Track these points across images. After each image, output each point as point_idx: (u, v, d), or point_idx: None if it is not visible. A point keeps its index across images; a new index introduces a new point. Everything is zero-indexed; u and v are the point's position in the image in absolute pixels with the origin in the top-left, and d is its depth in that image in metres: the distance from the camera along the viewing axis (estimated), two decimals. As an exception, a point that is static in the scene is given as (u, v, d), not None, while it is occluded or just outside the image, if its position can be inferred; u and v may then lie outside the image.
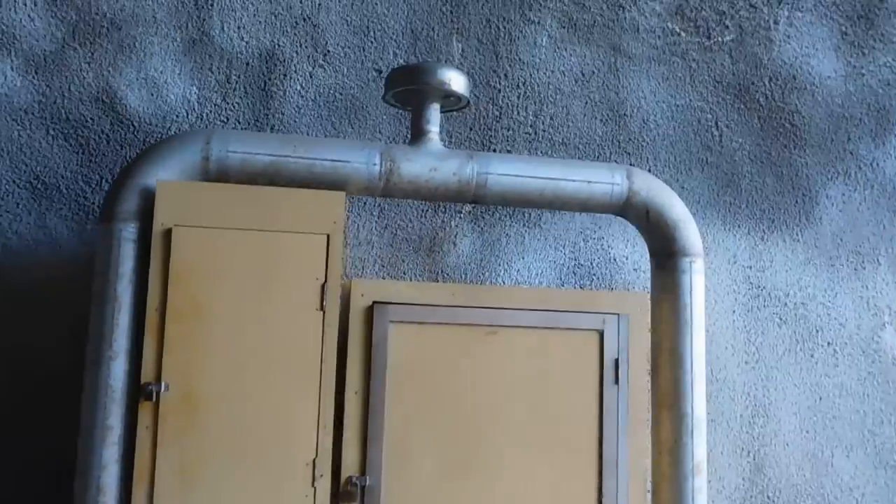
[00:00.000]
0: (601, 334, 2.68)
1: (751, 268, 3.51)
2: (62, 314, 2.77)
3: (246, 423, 2.36)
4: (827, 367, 3.53)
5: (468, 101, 2.81)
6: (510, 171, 2.72)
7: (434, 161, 2.66)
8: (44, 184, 2.85)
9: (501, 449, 2.57)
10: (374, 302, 2.53)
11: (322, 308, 2.44)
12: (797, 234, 3.58)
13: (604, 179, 2.81)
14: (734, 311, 3.46)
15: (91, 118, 2.90)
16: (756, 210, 3.55)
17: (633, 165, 3.35)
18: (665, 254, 2.88)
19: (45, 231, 2.84)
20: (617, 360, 2.68)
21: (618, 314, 2.70)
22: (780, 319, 3.51)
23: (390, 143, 3.07)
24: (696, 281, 2.86)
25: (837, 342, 3.55)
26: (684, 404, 2.77)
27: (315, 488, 2.38)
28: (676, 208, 2.88)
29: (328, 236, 2.46)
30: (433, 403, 2.54)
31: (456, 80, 2.68)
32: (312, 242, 2.46)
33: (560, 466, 2.60)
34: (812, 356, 3.52)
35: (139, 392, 2.31)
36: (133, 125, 2.92)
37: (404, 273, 3.14)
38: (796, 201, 3.59)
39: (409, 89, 2.69)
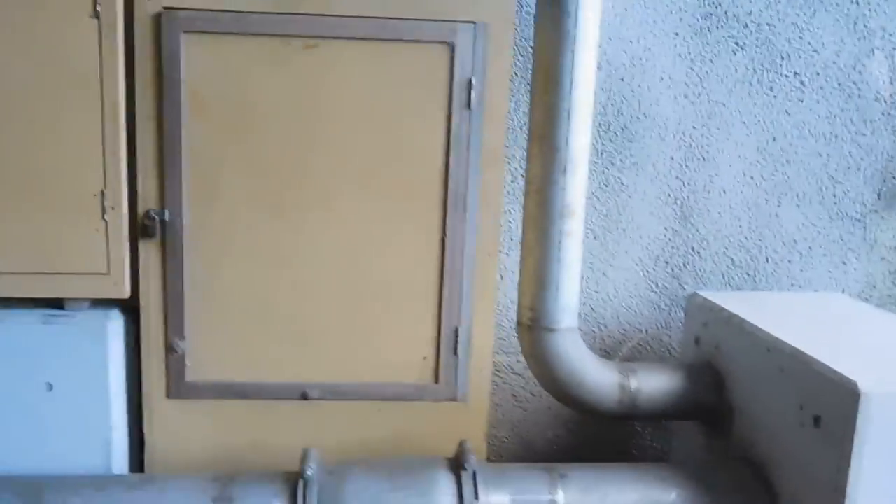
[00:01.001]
0: (451, 47, 2.22)
1: (705, -20, 2.87)
2: None
3: (17, 149, 2.09)
4: (789, 102, 2.95)
5: None
6: None
7: None
8: None
9: (325, 182, 2.24)
10: (164, 7, 2.13)
11: (96, 14, 2.07)
12: (771, -64, 2.87)
13: None
14: (677, 34, 2.87)
15: None
16: None
17: None
18: (550, -53, 2.31)
19: None
20: (471, 80, 2.23)
21: (474, 23, 2.21)
22: (737, 45, 2.91)
23: None
24: (589, -16, 2.30)
25: (807, 72, 2.95)
26: (557, 136, 2.32)
27: (106, 221, 2.15)
28: None
29: (96, -78, 2.03)
30: (242, 129, 2.20)
31: None
32: (78, -70, 2.04)
33: (396, 202, 2.26)
34: (771, 89, 2.94)
35: None
36: None
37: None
38: None
39: None
